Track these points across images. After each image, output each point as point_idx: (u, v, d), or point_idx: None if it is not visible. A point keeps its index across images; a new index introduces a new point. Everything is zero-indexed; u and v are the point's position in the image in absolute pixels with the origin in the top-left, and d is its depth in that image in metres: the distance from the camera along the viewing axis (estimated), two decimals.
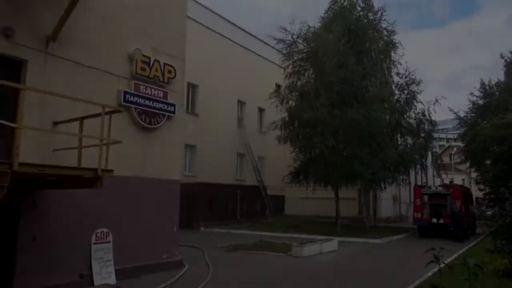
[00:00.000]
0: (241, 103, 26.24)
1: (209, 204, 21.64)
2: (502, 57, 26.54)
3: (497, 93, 23.85)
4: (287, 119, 20.41)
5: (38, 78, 7.25)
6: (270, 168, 27.84)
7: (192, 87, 22.31)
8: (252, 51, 27.44)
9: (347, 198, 25.60)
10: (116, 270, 8.20)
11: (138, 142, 9.47)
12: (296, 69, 20.84)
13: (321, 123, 17.97)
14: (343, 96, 19.44)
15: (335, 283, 8.68)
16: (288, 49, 21.15)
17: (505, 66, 26.25)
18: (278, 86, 29.16)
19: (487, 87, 26.82)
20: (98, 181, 6.37)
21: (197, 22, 22.41)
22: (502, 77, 26.61)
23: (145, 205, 9.42)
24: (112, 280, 7.97)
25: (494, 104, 23.64)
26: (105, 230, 8.33)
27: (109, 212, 8.52)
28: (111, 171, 6.50)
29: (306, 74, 21.03)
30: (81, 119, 6.96)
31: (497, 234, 9.07)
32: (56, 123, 7.38)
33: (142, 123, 9.46)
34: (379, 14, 22.22)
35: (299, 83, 20.97)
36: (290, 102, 20.48)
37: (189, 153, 21.92)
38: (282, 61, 21.37)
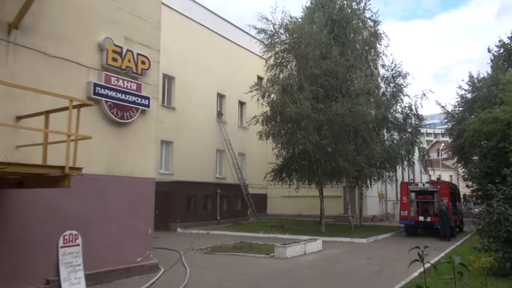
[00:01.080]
0: (220, 96, 26.13)
1: (187, 204, 21.59)
2: (489, 51, 27.05)
3: (485, 88, 24.31)
4: (269, 113, 20.46)
5: None
6: (252, 165, 27.92)
7: (168, 79, 22.12)
8: (232, 41, 27.31)
9: (332, 196, 25.87)
10: (86, 275, 8.08)
11: (109, 137, 9.40)
12: (278, 60, 20.83)
13: (305, 117, 18.02)
14: (327, 90, 19.54)
15: (319, 285, 8.67)
16: (269, 40, 21.15)
17: (492, 60, 26.62)
18: (260, 78, 29.04)
19: (476, 81, 27.14)
20: (66, 180, 6.26)
21: (173, 9, 22.08)
22: (490, 71, 27.16)
23: (118, 205, 9.33)
24: (82, 286, 7.81)
25: (482, 98, 23.98)
26: (73, 232, 8.19)
27: (78, 213, 8.38)
28: (80, 169, 6.42)
29: (288, 66, 21.03)
30: (47, 113, 6.81)
31: (483, 232, 9.27)
32: (19, 118, 7.22)
33: (114, 117, 9.38)
34: (363, 4, 22.37)
35: (281, 75, 21.01)
36: (272, 95, 20.46)
37: (165, 150, 21.70)
38: (264, 52, 21.30)
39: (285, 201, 28.46)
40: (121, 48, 9.56)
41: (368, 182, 22.30)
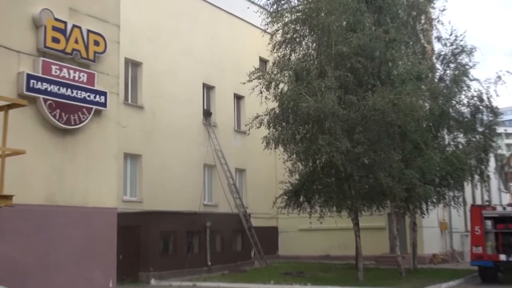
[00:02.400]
0: (208, 89, 26.42)
1: (163, 244, 21.38)
2: None
3: None
4: (277, 111, 20.31)
5: None
6: (255, 187, 27.98)
7: (132, 66, 22.33)
8: (224, 10, 27.47)
9: (372, 228, 25.72)
10: None
11: (51, 151, 9.46)
12: (288, 35, 20.83)
13: (329, 115, 17.91)
14: (359, 75, 19.47)
15: None
16: (275, 6, 21.24)
17: None
18: (263, 61, 29.16)
19: None
20: None
21: None
22: None
23: (65, 248, 9.38)
24: None
25: None
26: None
27: (8, 260, 8.40)
28: (9, 197, 6.47)
29: (303, 43, 21.05)
30: None
31: None
32: None
33: (56, 122, 9.45)
34: None
35: (293, 56, 21.06)
36: (282, 85, 20.36)
37: (130, 167, 21.90)
38: (268, 24, 21.39)
39: (305, 237, 28.51)
40: (65, 23, 9.62)
41: (424, 206, 22.27)
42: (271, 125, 20.80)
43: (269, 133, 20.62)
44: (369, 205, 21.19)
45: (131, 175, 22.11)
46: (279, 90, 20.56)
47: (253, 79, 20.69)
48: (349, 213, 20.79)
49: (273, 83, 20.57)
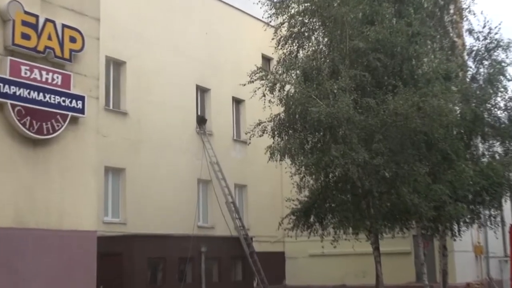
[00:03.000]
0: (202, 92, 26.47)
1: (151, 272, 21.37)
2: None
3: None
4: (283, 116, 20.48)
5: None
6: (258, 205, 27.97)
7: (115, 66, 22.37)
8: (221, 1, 27.40)
9: (396, 253, 25.62)
10: None
11: (19, 166, 9.49)
12: (295, 29, 21.00)
13: (343, 122, 17.92)
14: (378, 74, 19.36)
15: None
16: None
17: None
18: (266, 59, 29.37)
19: None
20: None
21: None
22: None
23: (34, 277, 9.32)
24: None
25: None
26: None
27: None
28: None
29: (313, 38, 21.24)
30: None
31: None
32: None
33: (26, 131, 9.49)
34: None
35: (301, 53, 21.32)
36: (288, 87, 20.70)
37: (112, 183, 21.92)
38: (272, 16, 21.48)
39: (316, 263, 28.39)
40: (37, 17, 9.66)
41: (455, 227, 22.22)
42: (275, 133, 20.82)
43: (273, 143, 20.71)
44: (391, 226, 20.88)
45: (113, 192, 22.06)
46: (285, 92, 20.59)
47: (255, 80, 20.70)
48: (368, 236, 20.81)
49: (278, 85, 20.64)
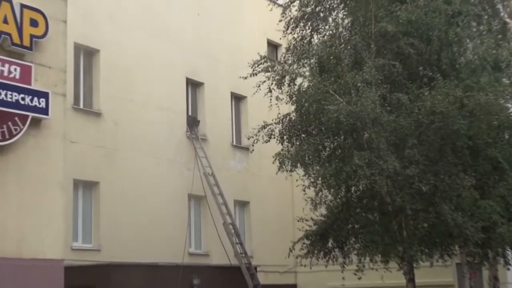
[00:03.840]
0: (194, 86, 26.57)
1: None
2: None
3: None
4: (293, 117, 20.64)
5: None
6: (263, 226, 27.96)
7: (86, 56, 22.44)
8: None
9: (435, 286, 25.58)
10: None
11: None
12: (309, 8, 21.15)
13: (368, 123, 18.16)
14: (411, 64, 19.74)
15: None
16: None
17: None
18: (272, 46, 29.77)
19: None
20: None
21: None
22: None
23: None
24: None
25: None
26: None
27: None
28: None
29: (330, 20, 21.38)
30: None
31: None
32: None
33: None
34: None
35: (316, 38, 21.45)
36: (300, 80, 20.84)
37: (83, 200, 21.87)
38: None
39: None
40: None
41: (509, 253, 21.93)
42: (285, 137, 20.87)
43: (282, 149, 20.61)
44: (429, 253, 20.62)
45: (85, 212, 22.04)
46: (296, 87, 20.56)
47: (259, 71, 20.84)
48: (400, 264, 20.71)
49: (287, 77, 20.77)
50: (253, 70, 20.67)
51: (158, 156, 24.24)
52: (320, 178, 19.91)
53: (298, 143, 20.57)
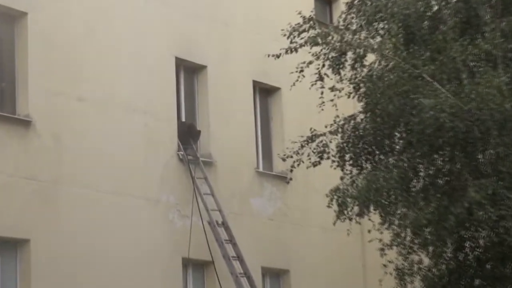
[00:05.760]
0: (189, 72, 24.45)
1: None
2: None
3: None
4: (361, 121, 20.39)
5: None
6: None
7: (4, 23, 21.04)
8: None
9: None
10: None
11: None
12: None
13: (492, 127, 18.18)
14: None
15: None
16: None
17: None
18: (322, 0, 28.19)
19: None
20: None
21: None
22: None
23: None
24: None
25: None
26: None
27: None
28: None
29: None
30: None
31: None
32: None
33: None
34: None
35: None
36: (371, 58, 20.27)
37: (1, 268, 20.28)
38: None
39: None
40: None
41: None
42: (347, 157, 20.85)
43: (343, 179, 20.50)
44: None
45: (6, 284, 20.47)
46: (366, 70, 20.49)
47: (301, 44, 20.29)
48: None
49: (350, 54, 20.40)
50: (291, 42, 20.02)
51: (129, 194, 21.96)
52: (410, 229, 19.87)
53: (369, 167, 20.30)
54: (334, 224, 19.98)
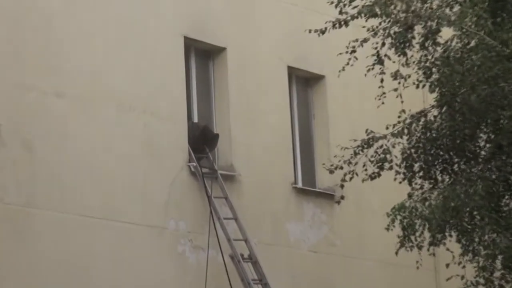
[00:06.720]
0: (202, 56, 24.03)
1: None
2: None
3: None
4: (434, 119, 20.24)
5: None
6: None
7: None
8: None
9: None
10: None
11: None
12: None
13: None
14: None
15: None
16: None
17: None
18: None
19: None
20: None
21: None
22: None
23: None
24: None
25: None
26: None
27: None
28: None
29: None
30: None
31: None
32: None
33: None
34: None
35: None
36: (447, 33, 19.35)
37: None
38: None
39: None
40: None
41: None
42: (416, 166, 20.08)
43: (410, 195, 20.15)
44: None
45: None
46: (441, 49, 19.93)
47: (353, 16, 19.79)
48: None
49: (417, 28, 20.06)
50: (340, 13, 19.23)
51: (124, 219, 21.33)
52: (500, 261, 19.10)
53: (446, 179, 19.55)
54: (396, 254, 19.26)
